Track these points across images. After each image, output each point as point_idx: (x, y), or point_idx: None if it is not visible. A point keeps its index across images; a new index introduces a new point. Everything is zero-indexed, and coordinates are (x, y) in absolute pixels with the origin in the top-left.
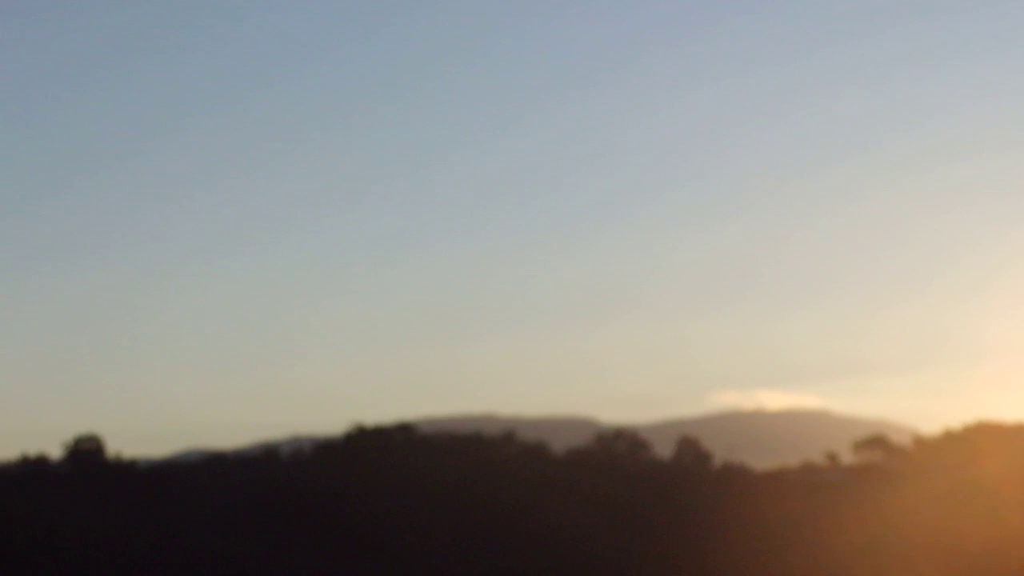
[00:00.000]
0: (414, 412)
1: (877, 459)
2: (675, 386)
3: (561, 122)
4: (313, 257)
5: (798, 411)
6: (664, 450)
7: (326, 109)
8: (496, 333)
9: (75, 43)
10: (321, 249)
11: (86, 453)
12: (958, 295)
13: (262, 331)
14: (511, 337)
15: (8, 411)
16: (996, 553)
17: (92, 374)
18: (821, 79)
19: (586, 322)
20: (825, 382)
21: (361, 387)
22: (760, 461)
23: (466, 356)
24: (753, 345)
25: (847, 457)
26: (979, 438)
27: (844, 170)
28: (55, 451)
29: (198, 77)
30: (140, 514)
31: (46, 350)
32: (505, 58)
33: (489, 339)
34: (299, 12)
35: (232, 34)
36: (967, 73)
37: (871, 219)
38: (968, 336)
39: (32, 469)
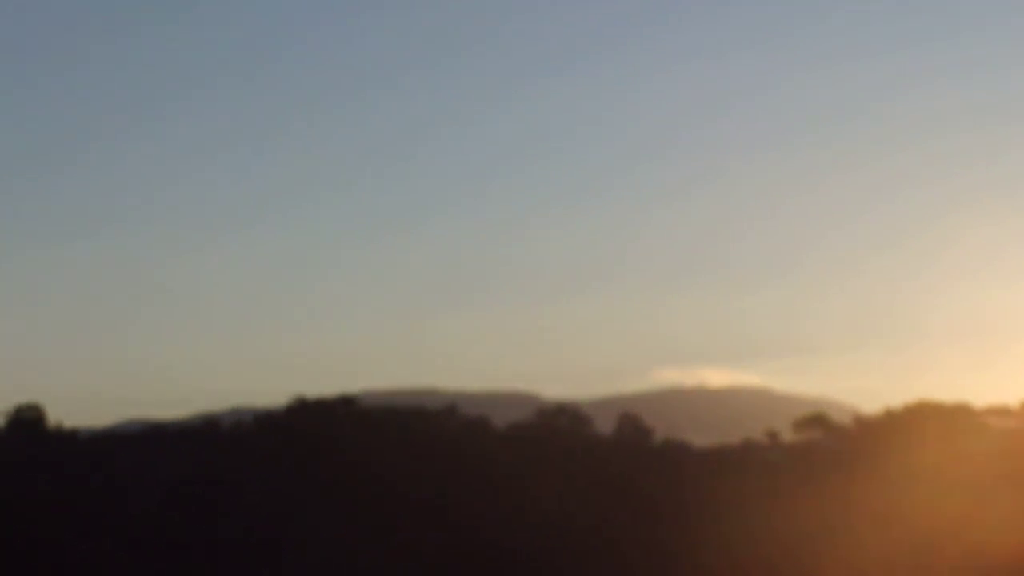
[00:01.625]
0: (356, 385)
1: (817, 438)
2: (617, 362)
3: (515, 110)
4: (259, 233)
5: (739, 389)
6: (605, 426)
7: (287, 99)
8: (439, 308)
9: (81, 21)
10: (268, 225)
11: (27, 422)
12: (898, 276)
13: (204, 303)
14: (454, 312)
15: None
16: (942, 533)
17: (33, 344)
18: (778, 67)
19: (529, 298)
20: (766, 360)
21: (304, 359)
22: (701, 438)
23: (409, 330)
24: (695, 323)
25: (788, 435)
26: (919, 418)
27: (793, 155)
28: None
29: (182, 61)
30: (80, 483)
31: None
32: (468, 49)
33: (432, 314)
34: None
35: (229, 17)
36: (908, 60)
37: (815, 202)
38: (908, 316)
39: None
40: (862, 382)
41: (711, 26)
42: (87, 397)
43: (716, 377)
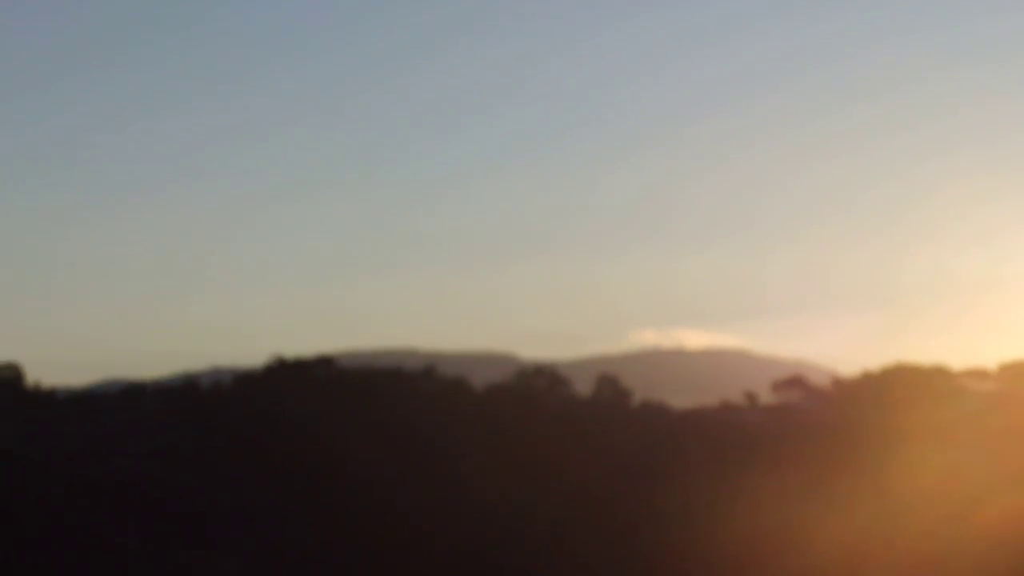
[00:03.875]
0: (334, 345)
1: (796, 399)
2: (595, 323)
3: (475, 59)
4: (234, 188)
5: (717, 350)
6: (583, 387)
7: (234, 59)
8: (418, 268)
9: None
10: (243, 181)
11: (5, 382)
12: (877, 238)
13: (183, 261)
14: (432, 272)
15: None
16: (919, 496)
17: (12, 302)
18: (732, 20)
19: (507, 258)
20: (745, 322)
21: (282, 319)
22: (679, 399)
23: (387, 290)
24: (673, 284)
25: (766, 397)
26: (896, 380)
27: (767, 109)
28: None
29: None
30: (59, 443)
31: None
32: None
33: (410, 274)
34: None
35: None
36: (863, 14)
37: (793, 159)
38: (888, 279)
39: None
40: (841, 344)
41: None
42: (66, 357)
43: (694, 338)
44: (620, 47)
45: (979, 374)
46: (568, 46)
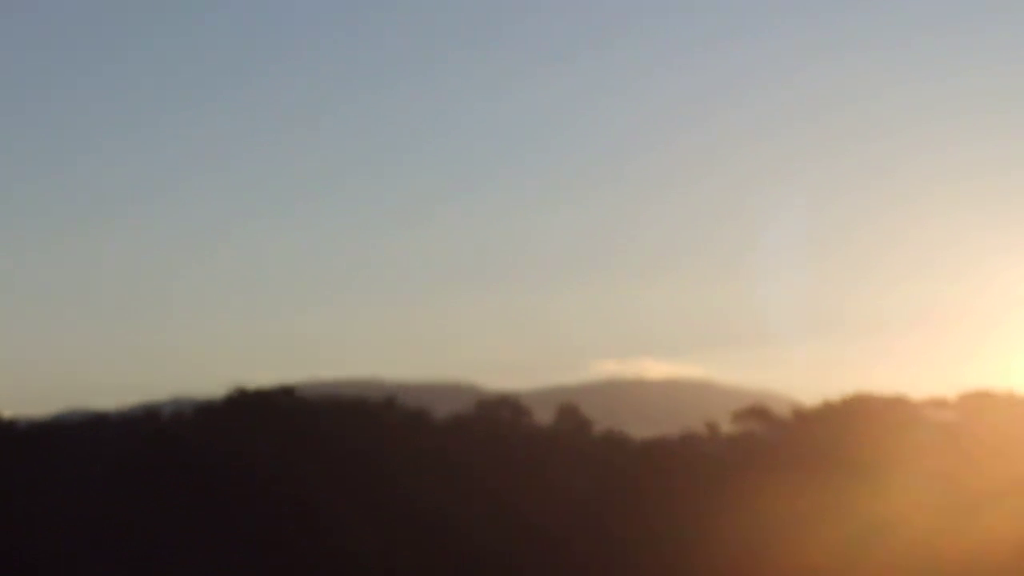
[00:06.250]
0: (296, 375)
1: (756, 429)
2: (556, 354)
3: (434, 88)
4: (196, 217)
5: (680, 380)
6: (544, 417)
7: (238, 94)
8: (379, 298)
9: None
10: (204, 209)
11: None
12: (840, 269)
13: (143, 292)
14: (394, 302)
15: None
16: (879, 525)
17: None
18: (693, 45)
19: (468, 289)
20: (707, 351)
21: (243, 349)
22: (640, 430)
23: (349, 320)
24: (634, 313)
25: (727, 427)
26: (857, 410)
27: (727, 137)
28: None
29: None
30: (19, 473)
31: None
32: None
33: (372, 304)
34: None
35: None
36: (858, 58)
37: (753, 190)
38: (850, 309)
39: None
40: (804, 374)
41: (602, 18)
42: (26, 387)
43: (656, 368)
44: (577, 76)
45: (939, 403)
46: (522, 76)
